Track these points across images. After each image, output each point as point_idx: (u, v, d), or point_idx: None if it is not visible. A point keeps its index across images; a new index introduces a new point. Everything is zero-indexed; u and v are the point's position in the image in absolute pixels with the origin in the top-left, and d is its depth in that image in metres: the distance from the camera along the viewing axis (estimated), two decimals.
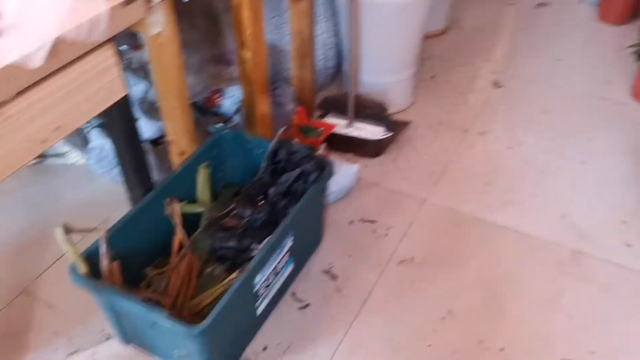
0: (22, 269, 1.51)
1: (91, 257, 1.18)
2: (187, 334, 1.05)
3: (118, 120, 1.14)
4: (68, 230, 1.13)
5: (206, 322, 1.06)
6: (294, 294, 1.42)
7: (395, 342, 1.32)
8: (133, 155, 1.23)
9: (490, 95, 2.04)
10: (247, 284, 1.18)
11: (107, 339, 1.34)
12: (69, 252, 1.13)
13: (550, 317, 1.35)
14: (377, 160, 1.79)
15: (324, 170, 1.34)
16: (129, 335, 1.29)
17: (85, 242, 1.20)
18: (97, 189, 1.72)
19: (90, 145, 1.76)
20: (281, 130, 1.40)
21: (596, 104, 1.97)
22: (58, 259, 1.53)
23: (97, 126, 1.82)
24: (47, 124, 0.94)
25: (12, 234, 1.61)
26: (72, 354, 1.32)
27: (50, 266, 1.52)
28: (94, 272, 1.17)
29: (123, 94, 1.07)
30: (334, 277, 1.47)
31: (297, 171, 1.34)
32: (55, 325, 1.38)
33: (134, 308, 1.09)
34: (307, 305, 1.40)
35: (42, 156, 1.82)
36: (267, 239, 1.24)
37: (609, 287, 1.40)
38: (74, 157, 1.81)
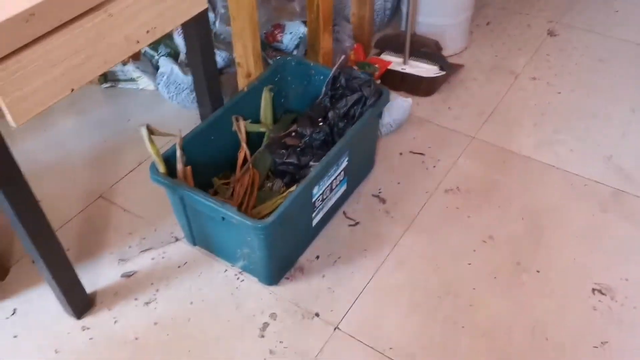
0: (98, 178, 1.67)
1: (168, 160, 1.31)
2: (253, 227, 1.18)
3: (197, 32, 1.25)
4: (150, 131, 1.26)
5: (271, 218, 1.18)
6: (345, 213, 1.53)
7: (438, 260, 1.42)
8: (207, 68, 1.33)
9: (545, 43, 2.07)
10: (307, 192, 1.29)
11: (176, 240, 1.49)
12: (151, 151, 1.26)
13: (587, 247, 1.42)
14: (429, 98, 1.86)
15: (381, 95, 1.43)
16: (197, 237, 1.43)
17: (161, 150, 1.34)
18: (166, 112, 1.86)
19: (160, 70, 1.88)
20: (342, 57, 1.49)
21: None
22: (131, 171, 1.68)
23: (166, 54, 1.95)
24: (141, 26, 1.06)
25: (88, 148, 1.76)
26: (144, 251, 1.47)
27: (124, 177, 1.67)
28: (170, 173, 1.31)
29: (204, 7, 1.17)
30: (383, 200, 1.57)
31: (356, 95, 1.43)
32: (129, 227, 1.53)
33: (205, 203, 1.22)
34: (357, 224, 1.51)
35: (115, 80, 1.96)
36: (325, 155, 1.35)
37: None
38: (144, 82, 1.94)
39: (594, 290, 1.34)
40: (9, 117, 0.91)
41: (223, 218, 1.22)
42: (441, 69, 1.83)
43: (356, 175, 1.55)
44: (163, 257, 1.46)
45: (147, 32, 1.08)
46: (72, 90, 0.99)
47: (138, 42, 1.08)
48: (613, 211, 1.50)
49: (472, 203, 1.54)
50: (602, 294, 1.33)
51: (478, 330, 1.27)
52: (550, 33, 2.11)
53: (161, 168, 1.28)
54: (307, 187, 1.27)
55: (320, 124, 1.46)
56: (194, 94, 1.81)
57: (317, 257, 1.44)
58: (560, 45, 2.05)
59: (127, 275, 1.42)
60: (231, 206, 1.20)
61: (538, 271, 1.38)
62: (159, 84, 1.88)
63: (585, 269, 1.38)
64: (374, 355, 1.24)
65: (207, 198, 1.22)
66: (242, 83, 1.56)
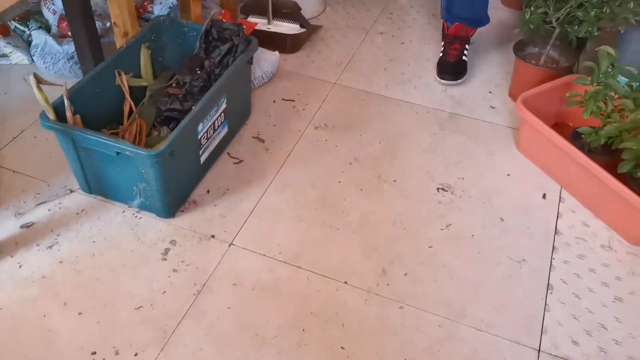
0: None
1: (57, 110, 1.40)
2: (147, 156, 1.32)
3: None
4: (38, 80, 1.35)
5: (163, 147, 1.33)
6: (229, 154, 1.72)
7: (313, 181, 1.65)
8: (86, 23, 1.44)
9: (388, 4, 2.39)
10: (192, 127, 1.46)
11: (71, 192, 1.58)
12: (40, 98, 1.35)
13: (432, 158, 1.73)
14: (294, 55, 2.09)
15: (250, 43, 1.63)
16: (92, 183, 1.53)
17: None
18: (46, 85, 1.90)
19: (34, 43, 1.93)
20: (212, 12, 1.66)
21: None
22: (15, 138, 1.73)
23: (37, 28, 1.99)
24: None
25: None
26: (40, 204, 1.54)
27: (9, 143, 1.71)
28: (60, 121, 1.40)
29: None
30: (262, 140, 1.77)
31: (228, 44, 1.62)
32: (21, 185, 1.59)
33: (99, 140, 1.34)
34: (240, 161, 1.70)
35: None
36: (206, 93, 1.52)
37: (476, 136, 1.81)
38: (17, 57, 1.96)
39: (438, 189, 1.65)
40: None
41: (118, 153, 1.35)
42: (302, 26, 2.07)
43: (235, 120, 1.74)
44: (60, 208, 1.54)
45: None
46: None
47: None
48: (449, 129, 1.83)
49: (338, 135, 1.80)
50: (445, 190, 1.64)
51: (350, 230, 1.52)
52: None
53: (51, 115, 1.37)
54: (192, 121, 1.43)
55: (198, 72, 1.62)
56: (70, 64, 1.89)
57: (208, 191, 1.61)
58: (400, 5, 2.39)
59: (26, 226, 1.48)
60: (124, 140, 1.33)
61: (395, 180, 1.66)
62: (33, 55, 1.92)
63: (430, 174, 1.68)
64: (265, 260, 1.44)
65: (100, 135, 1.34)
66: (119, 42, 1.67)
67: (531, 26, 1.64)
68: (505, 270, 1.45)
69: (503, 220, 1.57)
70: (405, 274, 1.43)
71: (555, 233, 1.54)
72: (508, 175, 1.69)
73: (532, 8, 1.63)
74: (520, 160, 1.74)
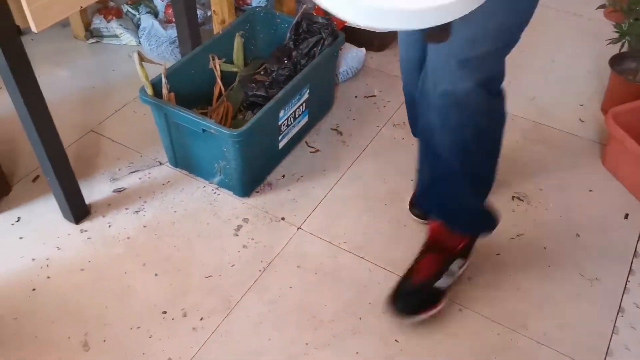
0: (88, 116, 1.87)
1: (155, 86, 1.52)
2: (230, 135, 1.41)
3: None
4: (141, 57, 1.47)
5: (244, 128, 1.41)
6: (307, 143, 1.78)
7: (385, 176, 1.67)
8: (187, 11, 1.56)
9: None
10: (274, 112, 1.53)
11: (160, 164, 1.71)
12: (141, 74, 1.48)
13: (510, 165, 1.69)
14: (381, 53, 2.12)
15: (337, 37, 1.68)
16: (178, 157, 1.65)
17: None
18: (146, 63, 2.06)
19: (142, 26, 2.09)
20: (304, 5, 1.73)
21: (571, 19, 2.28)
22: (117, 110, 1.89)
23: (146, 13, 2.16)
24: None
25: (78, 92, 1.96)
26: (132, 172, 1.68)
27: (111, 115, 1.87)
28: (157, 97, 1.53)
29: None
30: (340, 133, 1.82)
31: (316, 37, 1.67)
32: (117, 154, 1.74)
33: (188, 117, 1.44)
34: (317, 151, 1.76)
35: (100, 36, 2.15)
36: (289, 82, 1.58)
37: (561, 148, 1.75)
38: (127, 38, 2.14)
39: (513, 197, 1.61)
40: (31, 23, 1.11)
41: (203, 130, 1.44)
42: None
43: (316, 110, 1.79)
44: (149, 177, 1.67)
45: None
46: (81, 7, 1.20)
47: None
48: (531, 138, 1.78)
49: None
50: (520, 200, 1.61)
51: (418, 228, 1.53)
52: None
53: (149, 90, 1.50)
54: (274, 106, 1.50)
55: (286, 62, 1.69)
56: (172, 47, 2.04)
57: (283, 176, 1.68)
58: None
59: (118, 191, 1.63)
60: (210, 119, 1.42)
61: None
62: (140, 37, 2.08)
63: (507, 182, 1.65)
64: (329, 247, 1.49)
65: (190, 112, 1.44)
66: (217, 29, 1.78)
67: (628, 38, 1.56)
68: (575, 287, 1.40)
69: (579, 236, 1.51)
70: (469, 278, 1.42)
71: (634, 255, 1.46)
72: (590, 190, 1.63)
73: (631, 20, 1.55)
74: (605, 177, 1.66)
